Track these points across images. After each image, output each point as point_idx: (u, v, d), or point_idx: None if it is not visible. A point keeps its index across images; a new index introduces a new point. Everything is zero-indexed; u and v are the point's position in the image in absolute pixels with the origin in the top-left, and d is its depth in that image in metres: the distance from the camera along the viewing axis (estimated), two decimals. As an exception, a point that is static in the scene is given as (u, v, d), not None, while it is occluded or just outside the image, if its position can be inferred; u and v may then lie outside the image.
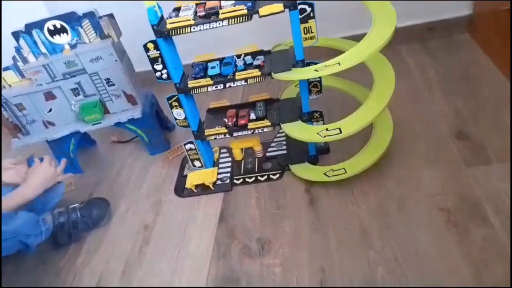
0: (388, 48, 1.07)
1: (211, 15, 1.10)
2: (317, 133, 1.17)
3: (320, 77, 1.26)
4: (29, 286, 1.16)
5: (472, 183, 1.18)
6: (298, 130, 1.22)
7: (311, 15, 1.13)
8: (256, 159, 1.46)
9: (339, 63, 1.03)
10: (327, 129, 1.16)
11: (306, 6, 1.11)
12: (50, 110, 1.48)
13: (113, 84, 1.45)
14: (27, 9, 1.66)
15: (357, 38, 1.25)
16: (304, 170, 1.33)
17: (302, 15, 1.12)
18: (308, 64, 1.17)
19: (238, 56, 1.25)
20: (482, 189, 1.15)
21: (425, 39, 1.89)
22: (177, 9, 1.16)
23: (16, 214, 1.12)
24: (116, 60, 1.39)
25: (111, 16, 1.39)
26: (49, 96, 1.45)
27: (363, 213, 1.18)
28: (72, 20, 1.35)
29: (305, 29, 1.15)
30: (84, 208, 1.32)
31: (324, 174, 1.27)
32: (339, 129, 1.14)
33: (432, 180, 1.22)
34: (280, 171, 1.38)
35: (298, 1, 1.07)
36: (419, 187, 1.21)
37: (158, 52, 1.15)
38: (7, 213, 1.11)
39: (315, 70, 1.08)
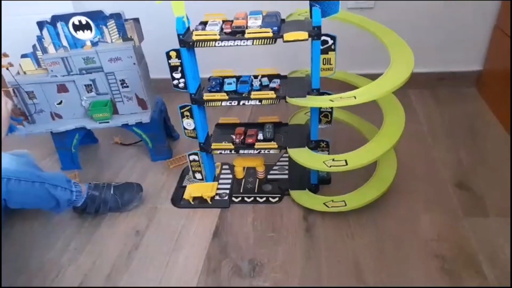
0: (397, 90, 1.10)
1: (237, 33, 1.12)
2: (323, 162, 1.18)
3: (332, 108, 1.28)
4: (29, 286, 1.13)
5: (468, 234, 1.18)
6: (304, 157, 1.23)
7: (332, 47, 1.16)
8: (257, 179, 1.46)
9: (355, 97, 1.05)
10: (333, 160, 1.18)
11: (328, 38, 1.14)
12: (60, 103, 1.48)
13: (127, 86, 1.46)
14: (54, 4, 1.68)
15: (370, 76, 1.29)
16: (303, 197, 1.33)
17: (324, 46, 1.15)
18: (322, 94, 1.19)
19: (255, 77, 1.28)
20: (478, 241, 1.16)
21: (434, 87, 1.94)
22: (204, 23, 1.19)
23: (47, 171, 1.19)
24: (134, 63, 1.41)
25: (136, 20, 1.41)
26: (62, 88, 1.45)
27: (358, 248, 1.17)
28: (98, 18, 1.38)
29: (324, 59, 1.19)
30: (119, 187, 1.35)
31: (324, 204, 1.27)
32: (346, 161, 1.15)
33: (430, 225, 1.22)
34: (279, 195, 1.38)
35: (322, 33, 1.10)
36: (416, 229, 1.21)
37: (179, 61, 1.17)
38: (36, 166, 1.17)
39: (330, 100, 1.10)
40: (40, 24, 1.37)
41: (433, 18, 1.79)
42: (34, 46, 1.41)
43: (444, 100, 1.87)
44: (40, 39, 1.38)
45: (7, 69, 1.37)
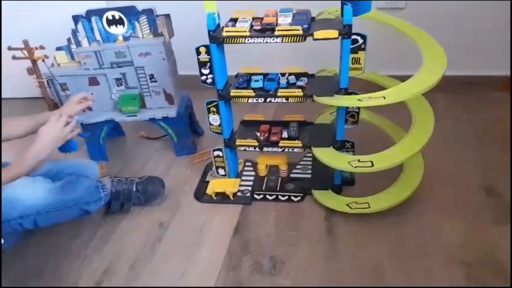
0: (425, 93, 1.08)
1: (267, 30, 1.13)
2: (349, 162, 1.17)
3: (359, 108, 1.27)
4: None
5: (496, 241, 1.15)
6: (329, 156, 1.23)
7: (362, 46, 1.15)
8: (280, 178, 1.46)
9: (384, 97, 1.04)
10: (359, 160, 1.16)
11: (359, 38, 1.13)
12: (91, 95, 1.52)
13: (156, 81, 1.49)
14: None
15: (399, 78, 1.27)
16: (326, 198, 1.32)
17: (354, 45, 1.14)
18: (350, 93, 1.18)
19: (283, 74, 1.28)
20: (506, 250, 1.12)
21: (463, 91, 1.89)
22: (234, 20, 1.20)
23: (77, 181, 1.16)
24: (163, 59, 1.44)
25: (167, 16, 1.44)
26: (93, 81, 1.50)
27: (380, 251, 1.16)
28: (130, 13, 1.41)
29: (353, 59, 1.18)
30: (142, 183, 1.36)
31: (347, 205, 1.26)
32: (371, 162, 1.14)
33: (455, 231, 1.19)
34: (302, 194, 1.37)
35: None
36: (441, 235, 1.19)
37: (209, 57, 1.18)
38: (70, 181, 1.15)
39: (359, 100, 1.09)
40: (76, 18, 1.41)
41: (462, 20, 1.75)
42: (68, 40, 1.45)
43: (473, 105, 1.82)
44: (74, 32, 1.43)
45: (43, 60, 1.42)
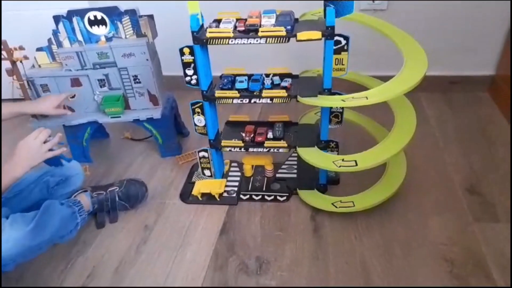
0: (408, 93, 1.09)
1: (250, 31, 1.13)
2: (333, 161, 1.18)
3: (343, 108, 1.28)
4: (30, 286, 1.15)
5: (478, 239, 1.17)
6: (314, 156, 1.23)
7: (345, 48, 1.16)
8: (265, 178, 1.46)
9: (367, 97, 1.05)
10: (343, 160, 1.17)
11: (341, 39, 1.14)
12: (73, 96, 1.50)
13: (140, 82, 1.47)
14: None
15: (382, 78, 1.29)
16: (312, 197, 1.33)
17: (337, 46, 1.15)
18: (333, 94, 1.19)
19: (267, 75, 1.28)
20: (488, 246, 1.14)
21: (446, 91, 1.93)
22: (218, 21, 1.20)
23: (52, 212, 1.10)
24: (147, 60, 1.43)
25: (151, 17, 1.43)
26: (75, 82, 1.47)
27: (366, 250, 1.17)
28: (113, 14, 1.39)
29: (336, 60, 1.18)
30: (123, 190, 1.34)
31: (332, 204, 1.27)
32: (355, 161, 1.15)
33: (439, 229, 1.21)
34: (287, 194, 1.38)
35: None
36: (425, 233, 1.21)
37: (193, 58, 1.18)
38: (44, 211, 1.08)
39: (342, 100, 1.09)
40: (56, 19, 1.39)
41: (445, 21, 1.77)
42: (49, 40, 1.42)
43: (456, 104, 1.85)
44: (55, 33, 1.40)
45: (21, 62, 1.39)
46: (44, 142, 1.13)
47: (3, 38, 1.35)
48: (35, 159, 1.11)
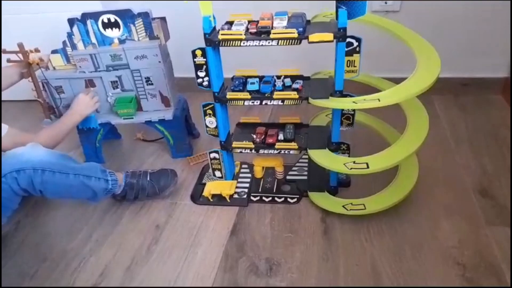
0: (420, 95, 1.09)
1: (262, 33, 1.14)
2: (344, 164, 1.18)
3: (354, 110, 1.28)
4: (40, 286, 1.16)
5: (490, 242, 1.16)
6: (324, 158, 1.23)
7: (357, 49, 1.16)
8: (276, 180, 1.46)
9: (379, 99, 1.05)
10: (354, 162, 1.17)
11: (353, 40, 1.14)
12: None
13: (152, 84, 1.49)
14: (84, 2, 1.73)
15: (394, 80, 1.28)
16: (322, 199, 1.33)
17: (348, 48, 1.15)
18: (345, 96, 1.19)
19: (278, 77, 1.29)
20: (500, 250, 1.13)
21: (458, 93, 1.91)
22: (230, 23, 1.21)
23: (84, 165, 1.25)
24: (159, 62, 1.44)
25: (163, 19, 1.44)
26: (89, 84, 1.50)
27: (376, 252, 1.16)
28: (126, 16, 1.41)
29: (348, 61, 1.18)
30: (154, 174, 1.40)
31: (343, 206, 1.27)
32: (367, 164, 1.15)
33: (450, 232, 1.20)
34: (298, 196, 1.38)
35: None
36: (436, 236, 1.20)
37: (205, 59, 1.19)
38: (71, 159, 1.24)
39: (354, 102, 1.09)
40: (71, 21, 1.41)
41: (458, 23, 1.76)
42: (64, 43, 1.45)
43: (469, 107, 1.83)
44: (70, 35, 1.43)
45: (37, 64, 1.42)
46: None
47: (19, 40, 1.38)
48: (88, 109, 1.45)
